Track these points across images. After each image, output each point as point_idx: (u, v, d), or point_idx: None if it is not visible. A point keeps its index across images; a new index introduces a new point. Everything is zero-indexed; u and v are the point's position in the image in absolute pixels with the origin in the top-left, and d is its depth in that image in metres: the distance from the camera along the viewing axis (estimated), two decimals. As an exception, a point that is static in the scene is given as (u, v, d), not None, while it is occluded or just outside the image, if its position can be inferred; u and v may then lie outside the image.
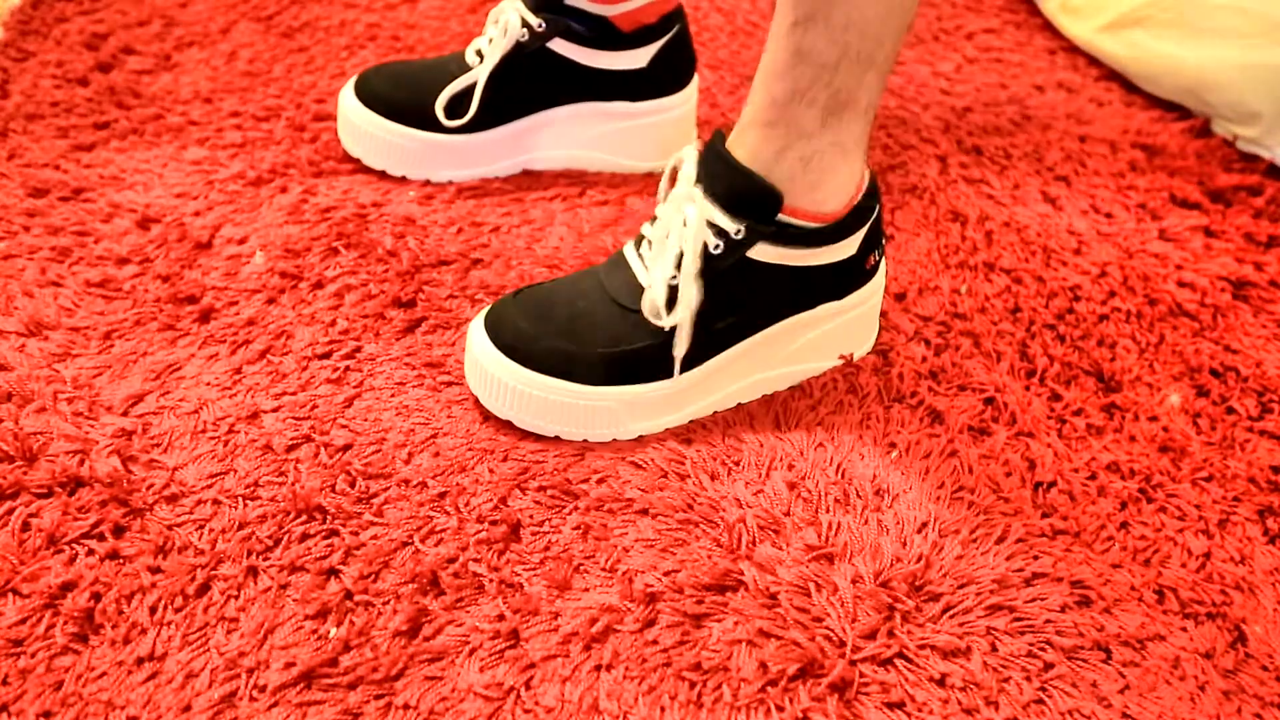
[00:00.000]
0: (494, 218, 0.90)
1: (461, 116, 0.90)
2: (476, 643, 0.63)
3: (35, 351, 0.76)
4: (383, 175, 0.93)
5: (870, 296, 0.78)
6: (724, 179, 0.70)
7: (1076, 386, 0.80)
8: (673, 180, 0.73)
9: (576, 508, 0.69)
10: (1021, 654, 0.64)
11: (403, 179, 0.92)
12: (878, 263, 0.78)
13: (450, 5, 1.15)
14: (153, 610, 0.63)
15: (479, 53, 0.90)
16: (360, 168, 0.93)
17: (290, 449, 0.72)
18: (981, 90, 1.09)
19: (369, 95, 0.92)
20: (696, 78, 0.96)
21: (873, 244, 0.76)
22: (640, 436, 0.74)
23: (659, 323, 0.71)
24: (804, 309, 0.75)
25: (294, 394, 0.75)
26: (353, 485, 0.70)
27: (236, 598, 0.64)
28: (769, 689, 0.61)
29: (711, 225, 0.70)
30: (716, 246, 0.70)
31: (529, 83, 0.91)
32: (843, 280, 0.75)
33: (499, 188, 0.93)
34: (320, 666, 0.61)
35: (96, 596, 0.63)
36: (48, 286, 0.81)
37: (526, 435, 0.73)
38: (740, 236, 0.70)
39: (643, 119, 0.94)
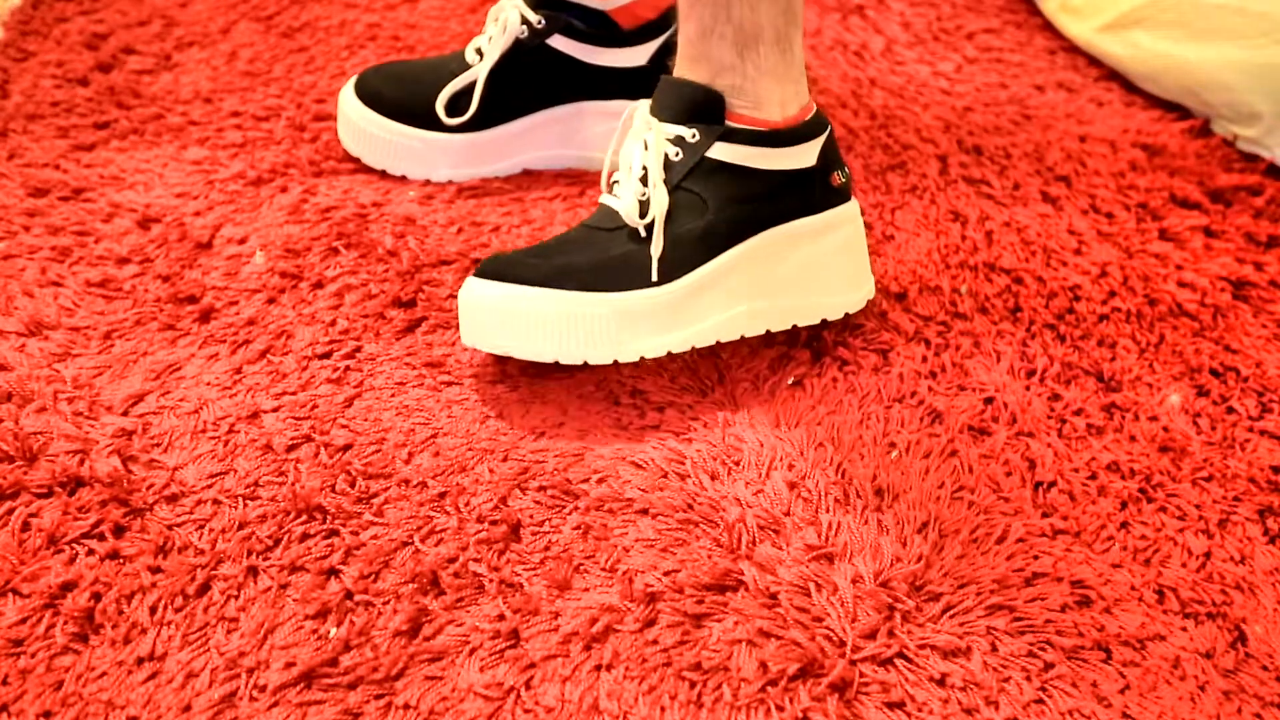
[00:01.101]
0: (494, 218, 0.90)
1: (462, 114, 0.90)
2: (477, 643, 0.63)
3: (35, 351, 0.76)
4: (383, 175, 0.93)
5: (848, 223, 0.80)
6: (671, 95, 0.76)
7: (1076, 386, 0.80)
8: (625, 131, 0.79)
9: (576, 508, 0.69)
10: (1021, 654, 0.64)
11: (403, 178, 0.92)
12: (845, 185, 0.80)
13: (450, 5, 1.15)
14: (153, 610, 0.63)
15: (479, 50, 0.90)
16: (360, 167, 0.93)
17: (290, 449, 0.72)
18: (981, 90, 1.09)
19: (369, 94, 0.91)
20: None
21: (832, 162, 0.79)
22: (641, 359, 0.74)
23: (634, 223, 0.74)
24: (777, 221, 0.77)
25: (294, 394, 0.75)
26: (353, 485, 0.70)
27: (236, 598, 0.64)
28: (769, 689, 0.61)
29: (669, 140, 0.75)
30: (677, 154, 0.75)
31: (529, 81, 0.90)
32: (810, 192, 0.78)
33: (499, 187, 0.93)
34: (320, 666, 0.61)
35: (96, 596, 0.63)
36: (48, 286, 0.81)
37: (526, 435, 0.73)
38: (696, 139, 0.75)
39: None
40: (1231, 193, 0.97)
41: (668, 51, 0.89)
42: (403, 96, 0.91)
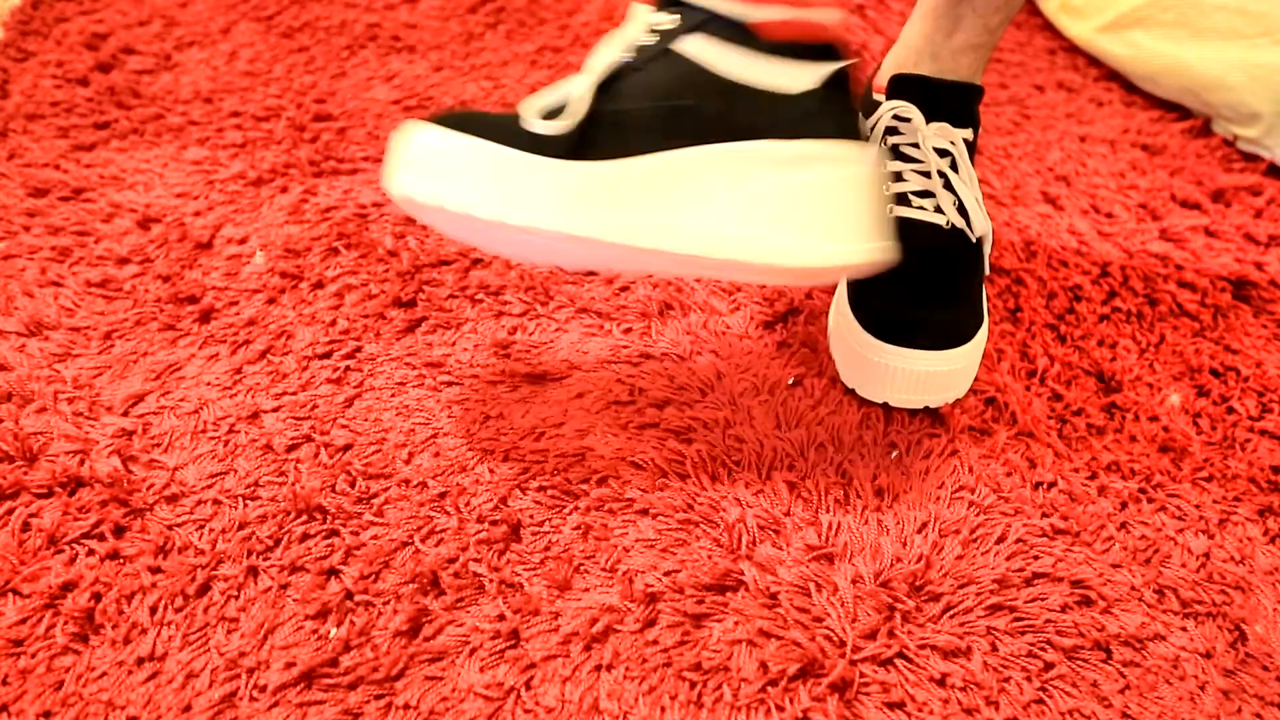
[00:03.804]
0: (494, 218, 0.90)
1: (559, 119, 0.65)
2: (477, 643, 0.63)
3: (35, 351, 0.76)
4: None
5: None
6: None
7: (1076, 386, 0.80)
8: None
9: (576, 508, 0.69)
10: (1021, 654, 0.64)
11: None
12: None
13: (450, 5, 1.15)
14: (153, 610, 0.63)
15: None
16: (360, 167, 0.93)
17: (290, 449, 0.72)
18: (981, 90, 1.09)
19: (453, 121, 0.68)
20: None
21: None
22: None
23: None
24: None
25: (294, 394, 0.75)
26: (353, 485, 0.70)
27: (236, 598, 0.64)
28: (769, 689, 0.61)
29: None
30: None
31: (647, 99, 0.66)
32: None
33: (499, 188, 0.93)
34: (320, 666, 0.61)
35: (96, 596, 0.63)
36: (48, 286, 0.81)
37: (526, 435, 0.73)
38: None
39: (812, 169, 0.65)
40: (1231, 193, 0.97)
41: (842, 83, 0.67)
42: (493, 120, 0.67)
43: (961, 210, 0.76)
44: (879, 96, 0.82)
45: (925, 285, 0.74)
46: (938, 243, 0.75)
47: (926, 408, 0.76)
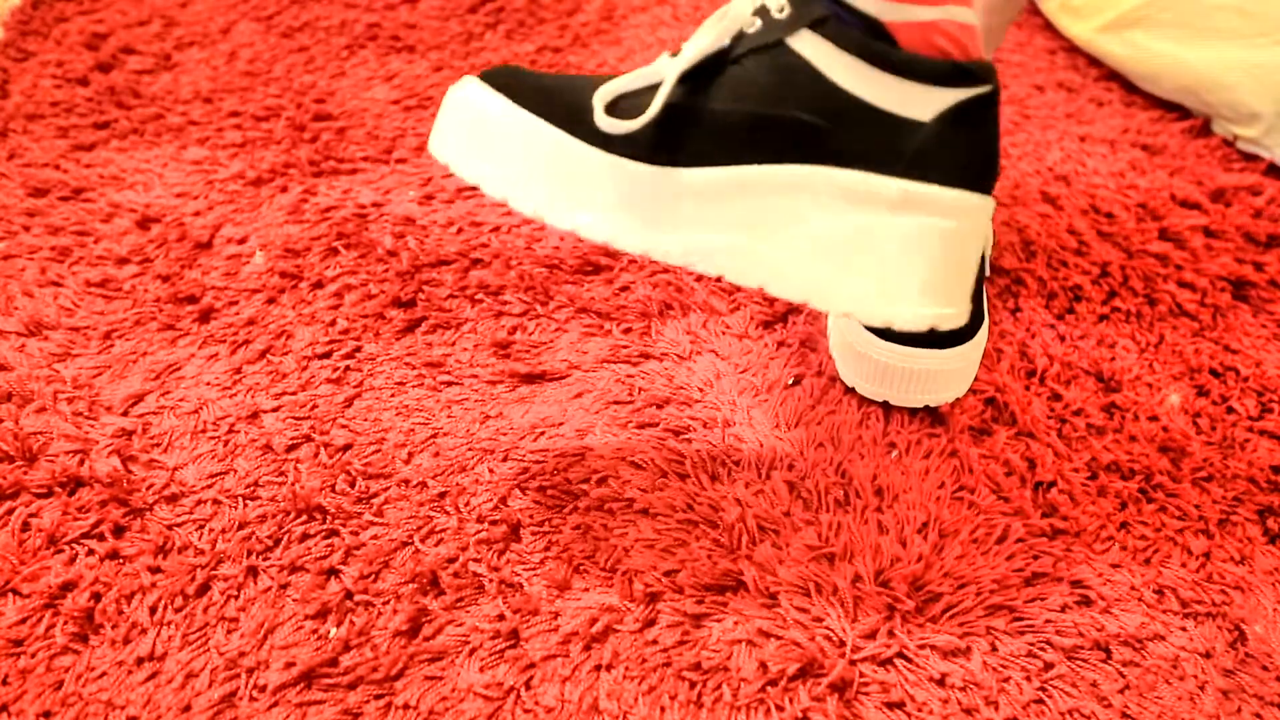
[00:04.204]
0: (494, 218, 0.90)
1: (632, 117, 0.58)
2: (476, 643, 0.63)
3: (35, 351, 0.76)
4: (385, 171, 0.93)
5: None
6: None
7: (1076, 386, 0.80)
8: None
9: (576, 508, 0.69)
10: (1021, 654, 0.64)
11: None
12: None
13: (450, 5, 1.15)
14: (153, 610, 0.63)
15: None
16: (360, 167, 0.93)
17: (290, 449, 0.72)
18: (981, 90, 1.09)
19: (505, 85, 0.60)
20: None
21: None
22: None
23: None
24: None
25: (294, 394, 0.75)
26: (353, 485, 0.70)
27: (236, 598, 0.64)
28: (769, 689, 0.61)
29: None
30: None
31: (743, 100, 0.58)
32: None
33: (499, 188, 0.93)
34: (320, 666, 0.61)
35: (96, 596, 0.63)
36: (48, 286, 0.81)
37: (526, 435, 0.73)
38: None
39: (912, 217, 0.58)
40: (1231, 193, 0.97)
41: (978, 126, 0.59)
42: (560, 93, 0.60)
43: None
44: None
45: None
46: None
47: (926, 406, 0.76)
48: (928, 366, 0.73)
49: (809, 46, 0.57)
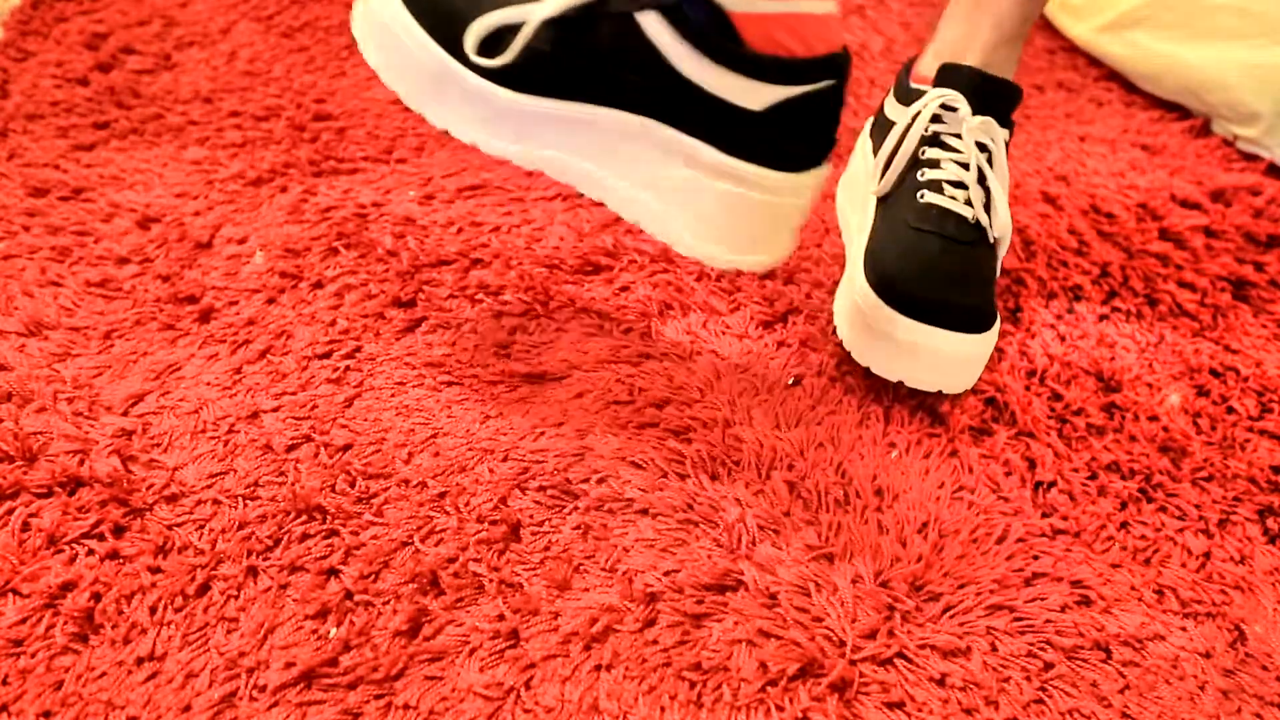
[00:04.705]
0: (494, 218, 0.90)
1: (494, 56, 0.63)
2: (476, 643, 0.63)
3: (35, 351, 0.76)
4: (385, 171, 0.93)
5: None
6: None
7: (1076, 386, 0.80)
8: None
9: (576, 508, 0.69)
10: (1021, 654, 0.64)
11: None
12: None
13: (450, 5, 1.15)
14: (153, 610, 0.63)
15: None
16: (360, 167, 0.93)
17: (290, 449, 0.72)
18: (981, 90, 1.09)
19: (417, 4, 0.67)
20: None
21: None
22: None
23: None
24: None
25: (294, 394, 0.75)
26: (353, 485, 0.70)
27: (236, 598, 0.64)
28: (769, 689, 0.61)
29: None
30: None
31: (595, 60, 0.63)
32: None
33: (499, 187, 0.93)
34: (320, 666, 0.61)
35: (96, 596, 0.63)
36: (48, 286, 0.81)
37: (526, 435, 0.73)
38: None
39: (737, 187, 0.66)
40: (1231, 193, 0.97)
41: (808, 115, 0.64)
42: (448, 14, 0.66)
43: (987, 209, 0.77)
44: (918, 85, 0.82)
45: (948, 271, 0.75)
46: (962, 234, 0.76)
47: (926, 406, 0.76)
48: (950, 349, 0.73)
49: (654, 28, 0.61)
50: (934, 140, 0.79)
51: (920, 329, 0.73)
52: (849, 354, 0.77)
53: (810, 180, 0.67)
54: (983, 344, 0.75)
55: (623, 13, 0.61)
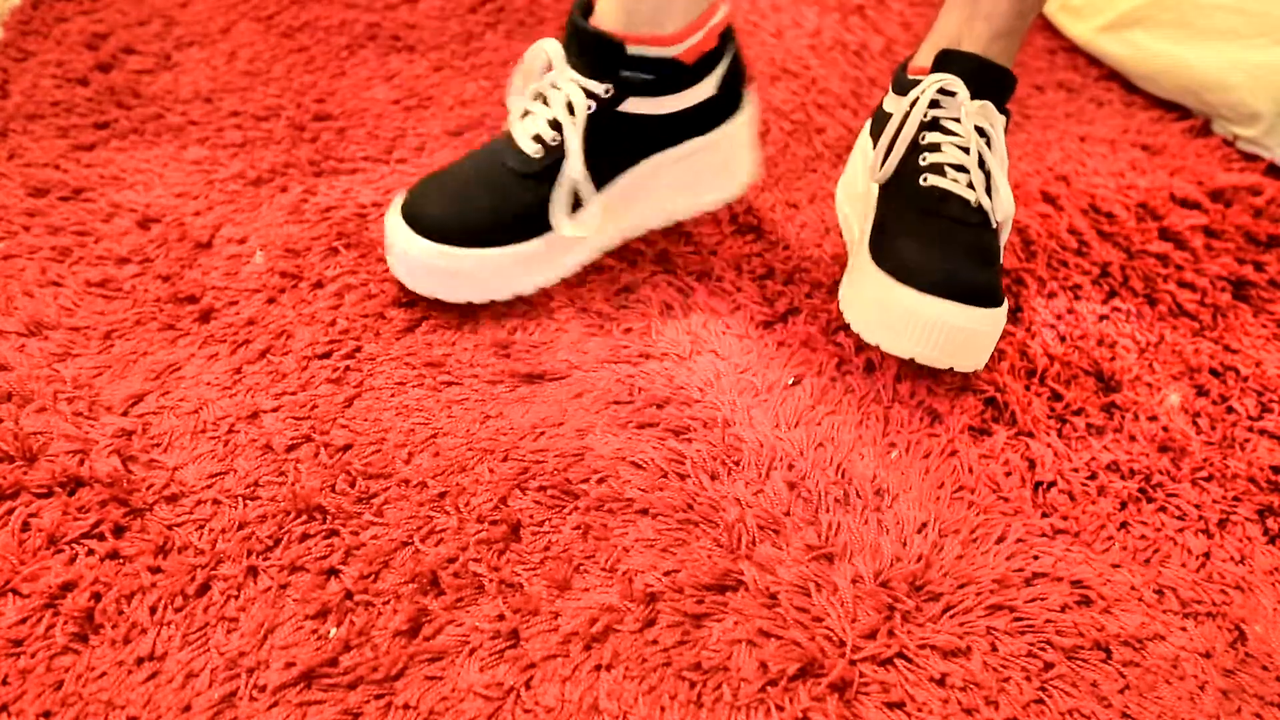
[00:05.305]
0: (494, 218, 0.90)
1: (584, 227, 0.81)
2: (476, 643, 0.63)
3: (35, 351, 0.76)
4: (385, 171, 0.93)
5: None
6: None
7: (1076, 386, 0.80)
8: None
9: (576, 508, 0.69)
10: (1021, 654, 0.64)
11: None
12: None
13: (450, 5, 1.15)
14: (153, 610, 0.63)
15: (538, 138, 0.79)
16: (360, 167, 0.93)
17: (290, 449, 0.72)
18: (981, 90, 1.09)
19: (429, 225, 0.79)
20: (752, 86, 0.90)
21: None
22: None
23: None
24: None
25: (294, 394, 0.75)
26: (353, 485, 0.70)
27: (236, 598, 0.64)
28: (769, 689, 0.61)
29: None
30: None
31: (604, 153, 0.81)
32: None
33: (499, 188, 0.93)
34: (320, 666, 0.61)
35: (96, 596, 0.63)
36: (48, 286, 0.81)
37: (526, 435, 0.73)
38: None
39: (714, 153, 0.86)
40: (1231, 193, 0.97)
41: (731, 73, 0.84)
42: (471, 218, 0.80)
43: (989, 193, 0.78)
44: (916, 76, 0.83)
45: (956, 247, 0.75)
46: (966, 217, 0.77)
47: (924, 405, 0.76)
48: (962, 323, 0.73)
49: (634, 105, 0.80)
50: (934, 125, 0.79)
51: (931, 301, 0.73)
52: (858, 337, 0.78)
53: (750, 110, 0.87)
54: (993, 320, 0.75)
55: (611, 110, 0.80)
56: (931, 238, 0.76)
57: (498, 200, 0.79)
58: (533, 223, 0.80)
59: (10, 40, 1.04)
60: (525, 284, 0.82)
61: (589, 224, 0.80)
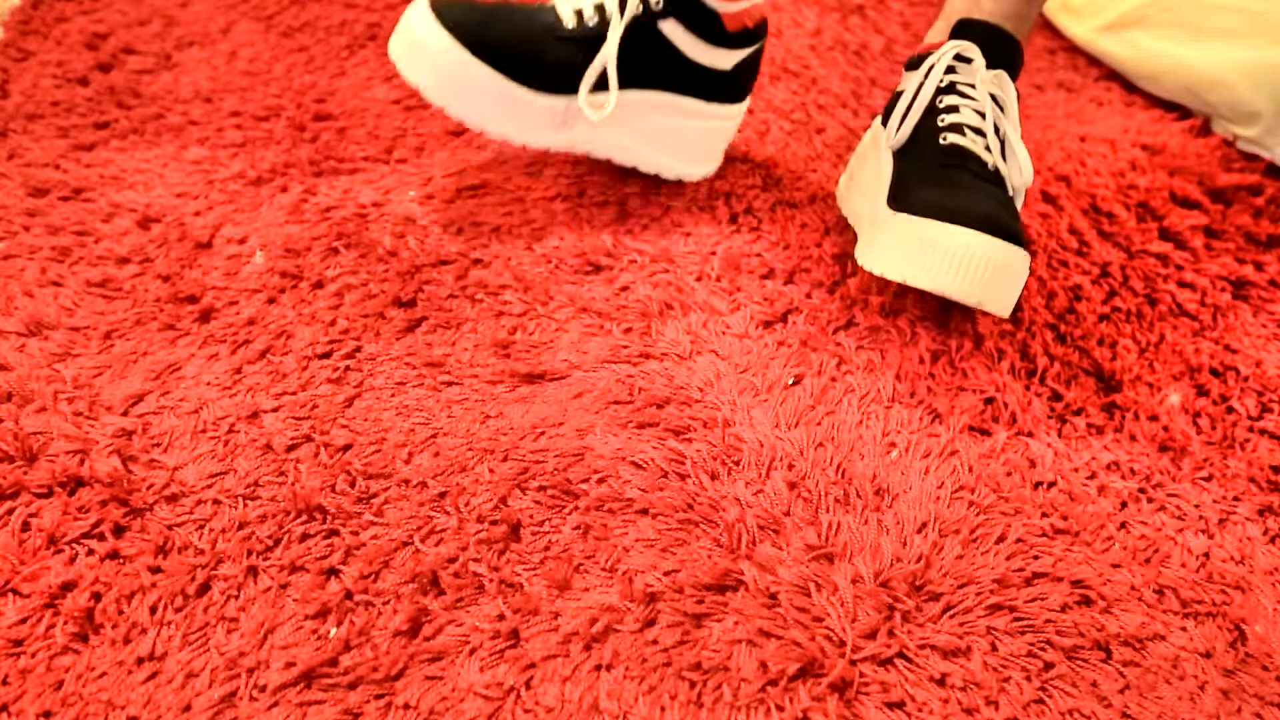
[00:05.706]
0: (494, 218, 0.90)
1: (600, 107, 0.86)
2: (476, 642, 0.63)
3: (35, 351, 0.76)
4: (385, 171, 0.93)
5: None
6: None
7: (1076, 386, 0.80)
8: None
9: (576, 508, 0.69)
10: (1021, 654, 0.64)
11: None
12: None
13: (450, 5, 1.15)
14: (153, 610, 0.63)
15: (579, 13, 0.86)
16: (360, 167, 0.93)
17: (290, 449, 0.72)
18: (981, 90, 1.09)
19: (465, 31, 0.84)
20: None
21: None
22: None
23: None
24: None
25: (294, 394, 0.75)
26: (353, 485, 0.70)
27: (236, 598, 0.64)
28: (769, 689, 0.61)
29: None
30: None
31: (632, 59, 0.87)
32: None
33: (499, 187, 0.93)
34: (320, 666, 0.61)
35: (96, 596, 0.63)
36: (48, 286, 0.81)
37: (526, 435, 0.73)
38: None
39: (705, 121, 0.92)
40: (1231, 193, 0.97)
41: (750, 62, 0.91)
42: (508, 43, 0.84)
43: (1004, 159, 0.79)
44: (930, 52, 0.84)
45: (981, 193, 0.76)
46: (985, 175, 0.78)
47: (924, 405, 0.76)
48: (990, 255, 0.72)
49: (670, 29, 0.87)
50: (950, 89, 0.81)
51: (964, 232, 0.73)
52: (859, 337, 0.79)
53: (744, 106, 0.95)
54: (1024, 260, 0.74)
55: (653, 24, 0.86)
56: (956, 184, 0.77)
57: (535, 47, 0.84)
58: (564, 80, 0.84)
59: (10, 40, 1.04)
60: (527, 134, 0.86)
61: (605, 107, 0.86)
